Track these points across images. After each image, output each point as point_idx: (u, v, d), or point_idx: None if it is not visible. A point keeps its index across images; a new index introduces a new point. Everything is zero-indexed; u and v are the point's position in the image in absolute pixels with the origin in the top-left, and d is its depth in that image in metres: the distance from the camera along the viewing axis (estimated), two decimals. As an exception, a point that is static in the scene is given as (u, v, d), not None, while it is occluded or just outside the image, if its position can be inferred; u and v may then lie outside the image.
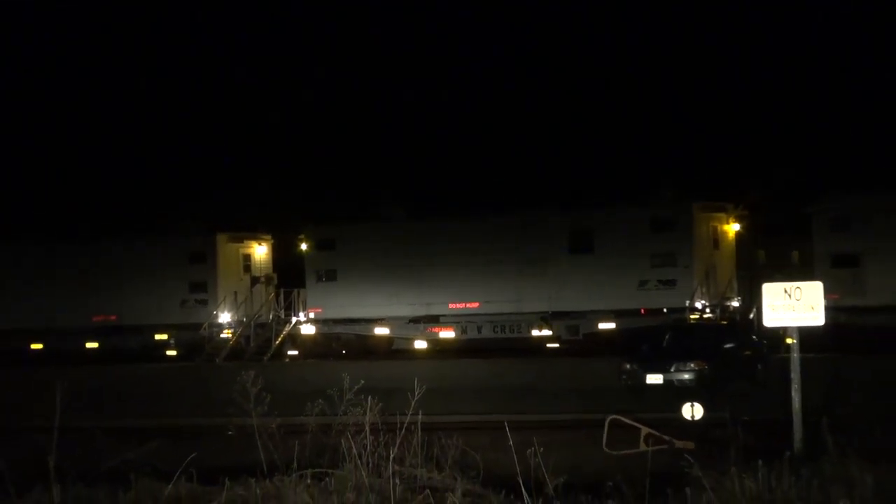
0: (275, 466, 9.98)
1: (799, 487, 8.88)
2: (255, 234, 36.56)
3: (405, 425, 9.85)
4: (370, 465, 9.48)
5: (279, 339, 33.98)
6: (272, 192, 46.74)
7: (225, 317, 34.60)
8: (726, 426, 10.79)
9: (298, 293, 34.54)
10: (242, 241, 36.01)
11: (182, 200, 47.36)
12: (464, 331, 32.08)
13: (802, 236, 30.07)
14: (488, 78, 65.56)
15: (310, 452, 10.27)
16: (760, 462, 9.10)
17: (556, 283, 30.76)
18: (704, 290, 29.71)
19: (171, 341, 34.95)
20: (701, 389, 17.35)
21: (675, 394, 16.95)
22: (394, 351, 32.33)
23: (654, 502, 8.61)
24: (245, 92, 68.07)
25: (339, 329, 33.63)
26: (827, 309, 11.36)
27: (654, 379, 19.24)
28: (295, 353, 33.88)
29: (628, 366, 20.04)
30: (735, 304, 30.47)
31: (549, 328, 31.07)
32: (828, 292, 11.91)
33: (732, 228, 31.80)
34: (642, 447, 11.47)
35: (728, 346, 21.14)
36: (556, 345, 31.17)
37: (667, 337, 22.03)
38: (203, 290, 34.72)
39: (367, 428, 9.84)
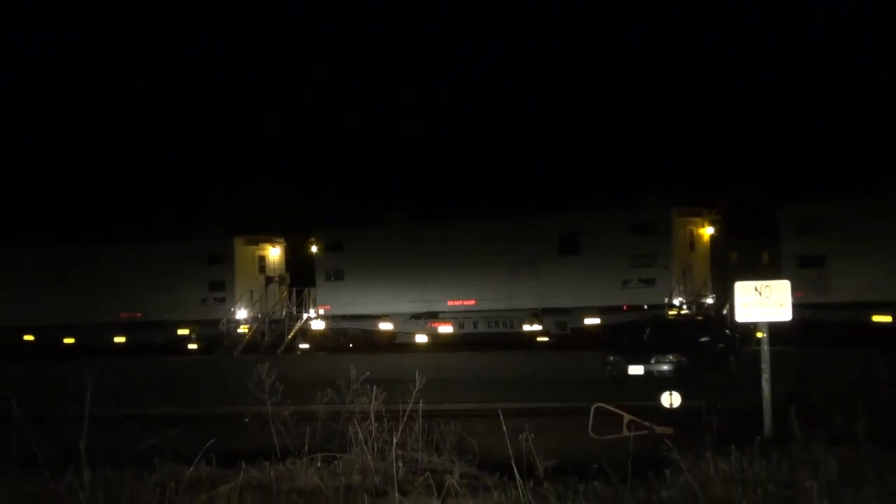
0: (287, 451, 9.99)
1: (769, 469, 8.89)
2: (270, 237, 36.57)
3: (407, 413, 9.87)
4: (375, 449, 9.49)
5: (291, 333, 33.98)
6: (285, 198, 46.76)
7: (242, 313, 34.61)
8: (702, 413, 10.79)
9: (309, 291, 34.59)
10: (257, 244, 36.01)
11: (202, 206, 47.36)
12: (461, 326, 32.09)
13: (771, 239, 30.06)
14: (484, 93, 65.55)
15: (320, 438, 10.27)
16: (733, 446, 9.12)
17: (546, 281, 30.79)
18: (682, 288, 29.72)
19: (193, 336, 34.96)
20: (678, 379, 17.37)
21: (655, 384, 16.96)
22: (397, 344, 32.34)
23: (636, 483, 8.61)
24: (259, 105, 68.10)
25: (346, 324, 33.64)
26: (794, 305, 11.37)
27: (636, 370, 19.27)
28: (306, 346, 33.88)
29: (612, 358, 20.07)
30: (710, 301, 30.46)
31: (540, 323, 31.11)
32: (795, 290, 11.90)
33: (707, 231, 31.83)
34: (625, 433, 11.47)
35: (703, 339, 21.19)
36: (546, 339, 31.18)
37: (647, 331, 22.08)
38: (222, 289, 34.72)
39: (372, 415, 9.86)
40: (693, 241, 31.22)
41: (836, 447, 9.36)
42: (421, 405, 9.99)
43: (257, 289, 35.12)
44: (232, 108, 67.14)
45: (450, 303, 32.06)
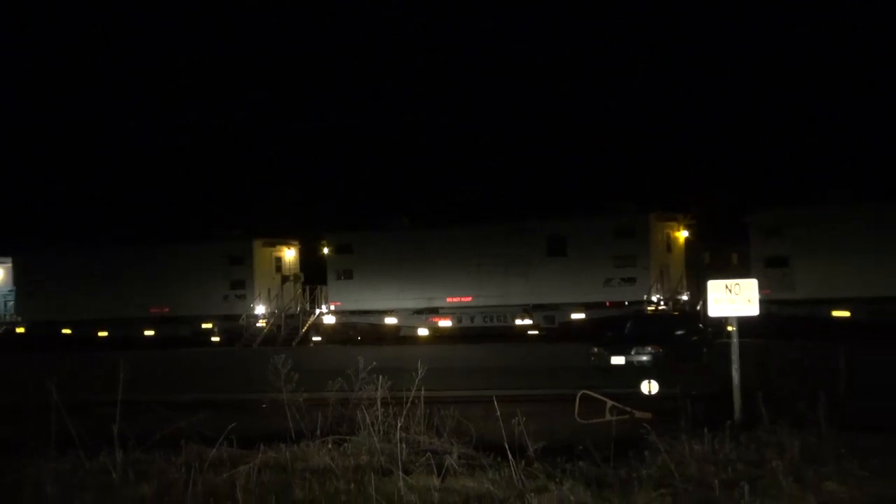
0: (301, 434, 9.98)
1: (738, 450, 8.89)
2: (285, 240, 36.61)
3: (410, 399, 9.86)
4: (381, 432, 9.49)
5: (305, 327, 34.03)
6: (299, 204, 46.91)
7: (260, 309, 34.63)
8: (677, 399, 10.79)
9: (321, 289, 34.63)
10: (274, 246, 36.05)
11: (224, 211, 47.50)
12: (459, 320, 32.11)
13: (741, 241, 30.10)
14: (481, 113, 65.83)
15: (331, 422, 10.27)
16: (706, 429, 9.11)
17: (536, 280, 30.83)
18: (659, 286, 29.77)
19: (215, 329, 34.99)
20: (656, 369, 17.34)
21: (635, 373, 16.95)
22: (401, 337, 32.33)
23: (618, 463, 8.60)
24: (277, 120, 68.25)
25: (355, 319, 33.64)
26: (761, 302, 11.37)
27: (618, 360, 19.23)
28: (318, 339, 33.89)
29: (596, 349, 20.03)
30: (684, 297, 30.50)
31: (531, 318, 31.14)
32: (762, 288, 11.92)
33: (682, 235, 31.88)
34: (608, 417, 11.47)
35: (679, 332, 21.14)
36: (536, 332, 31.20)
37: (628, 325, 22.05)
38: (242, 287, 34.77)
39: (379, 402, 9.85)
40: (669, 243, 31.28)
41: (799, 430, 9.35)
42: (423, 392, 9.98)
43: (274, 287, 35.13)
44: (252, 123, 67.34)
45: (449, 299, 32.09)
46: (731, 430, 9.29)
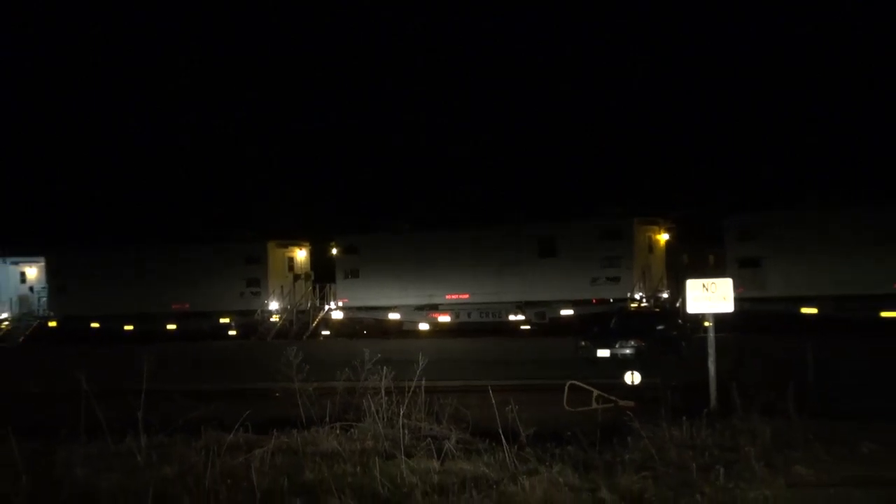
0: (312, 420, 9.99)
1: (714, 436, 8.90)
2: (297, 242, 36.61)
3: (412, 389, 9.87)
4: (385, 419, 9.50)
5: (315, 322, 34.01)
6: (310, 208, 46.92)
7: (273, 305, 34.63)
8: (658, 389, 10.78)
9: (330, 287, 34.63)
10: (287, 247, 36.05)
11: (240, 215, 47.49)
12: (457, 316, 32.11)
13: (716, 244, 30.12)
14: (476, 124, 65.72)
15: (338, 409, 10.27)
16: (685, 417, 9.13)
17: (528, 279, 30.83)
18: (641, 284, 29.78)
19: (232, 324, 34.97)
20: (639, 361, 17.33)
21: (619, 364, 16.95)
22: (403, 331, 32.31)
23: (604, 448, 8.61)
24: (289, 130, 68.15)
25: (361, 315, 33.65)
26: (735, 299, 11.36)
27: (603, 353, 19.23)
28: (327, 333, 33.87)
29: (583, 343, 20.02)
30: (665, 295, 30.50)
31: (523, 314, 31.13)
32: (736, 287, 11.92)
33: (663, 237, 31.89)
34: (594, 405, 11.46)
35: (660, 327, 21.14)
36: (528, 327, 31.18)
37: (613, 321, 22.04)
38: (257, 285, 34.76)
39: (383, 391, 9.86)
40: (651, 245, 31.30)
41: (770, 418, 9.37)
42: (423, 382, 9.98)
43: (286, 284, 35.15)
44: (266, 130, 67.17)
45: (448, 296, 32.10)
46: (708, 418, 9.30)
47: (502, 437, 8.36)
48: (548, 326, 30.28)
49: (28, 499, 6.93)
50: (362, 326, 33.39)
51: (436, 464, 8.06)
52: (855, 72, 56.75)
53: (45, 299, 38.16)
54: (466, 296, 31.88)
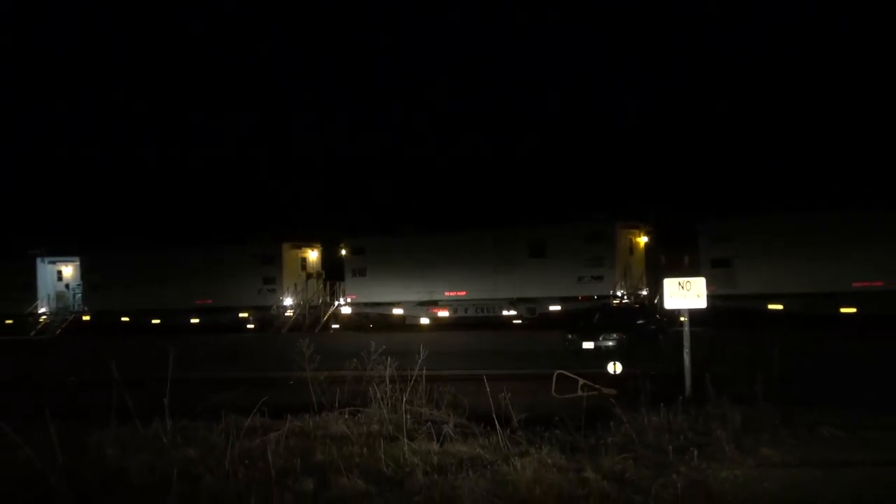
0: (322, 406, 9.99)
1: (689, 421, 8.90)
2: (309, 243, 36.57)
3: (414, 377, 9.86)
4: (389, 405, 9.49)
5: (326, 316, 33.99)
6: (321, 213, 46.99)
7: (288, 301, 34.59)
8: (638, 378, 10.80)
9: (339, 284, 34.60)
10: (300, 248, 36.00)
11: (258, 219, 47.54)
12: (455, 311, 32.08)
13: (691, 246, 30.10)
14: (474, 135, 65.79)
15: (347, 396, 10.26)
16: (662, 404, 9.13)
17: (520, 277, 30.83)
18: (623, 282, 29.76)
19: (250, 318, 34.92)
20: (620, 352, 17.34)
21: (603, 355, 16.94)
22: (406, 325, 32.30)
23: (588, 431, 8.62)
24: (300, 140, 68.17)
25: (367, 310, 33.60)
26: (708, 296, 11.38)
27: (588, 345, 19.22)
28: (337, 326, 33.83)
29: (570, 336, 20.01)
30: (644, 292, 30.49)
31: (515, 309, 31.12)
32: (709, 285, 11.90)
33: (643, 240, 31.89)
34: (579, 393, 11.45)
35: (639, 322, 21.14)
36: (520, 321, 31.17)
37: (596, 316, 22.02)
38: (273, 283, 34.72)
39: (387, 379, 9.85)
40: (632, 247, 31.29)
41: (740, 405, 9.38)
42: (424, 372, 9.97)
43: (300, 282, 35.10)
44: (281, 144, 67.19)
45: (447, 293, 32.08)
46: (683, 405, 9.31)
47: (496, 421, 8.37)
48: (538, 321, 30.27)
49: (64, 476, 6.92)
50: (369, 321, 33.36)
51: (435, 446, 8.07)
52: (815, 88, 56.85)
53: (79, 296, 38.16)
54: (464, 293, 31.88)
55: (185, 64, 75.59)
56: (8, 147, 71.62)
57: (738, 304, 27.15)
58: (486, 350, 21.85)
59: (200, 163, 62.54)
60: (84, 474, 7.21)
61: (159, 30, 75.29)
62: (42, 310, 38.25)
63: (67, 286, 38.89)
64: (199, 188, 59.84)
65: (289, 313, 34.33)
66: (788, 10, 60.47)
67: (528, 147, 61.98)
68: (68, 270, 39.12)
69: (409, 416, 8.97)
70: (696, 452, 7.53)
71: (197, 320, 35.36)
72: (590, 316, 22.31)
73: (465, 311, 31.96)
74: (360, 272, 33.64)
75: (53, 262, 38.98)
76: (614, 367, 12.59)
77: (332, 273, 35.74)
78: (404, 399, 9.34)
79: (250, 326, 34.70)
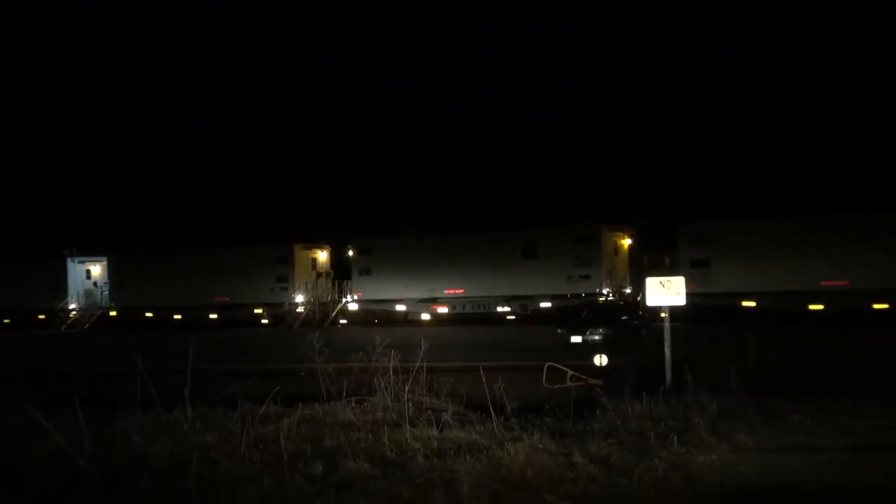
0: (331, 395, 9.97)
1: (669, 410, 8.90)
2: (319, 244, 36.59)
3: (415, 369, 9.84)
4: (392, 394, 9.48)
5: (334, 312, 34.01)
6: (330, 217, 46.98)
7: (299, 298, 34.60)
8: (622, 370, 10.78)
9: (347, 283, 34.65)
10: (310, 249, 36.02)
11: (272, 222, 47.53)
12: (454, 308, 32.10)
13: (671, 247, 30.16)
14: (472, 144, 65.67)
15: (354, 386, 10.25)
16: (644, 393, 9.12)
17: (514, 277, 30.85)
18: (608, 281, 29.79)
19: (264, 314, 34.94)
20: (606, 346, 17.32)
21: (590, 349, 16.91)
22: (408, 320, 32.31)
23: (576, 419, 8.61)
24: (313, 151, 68.08)
25: (373, 306, 33.62)
26: (687, 294, 11.37)
27: (576, 339, 19.22)
28: (344, 321, 33.86)
29: (559, 331, 20.01)
30: (628, 290, 30.52)
31: (509, 306, 31.14)
32: (688, 284, 11.90)
33: (626, 242, 31.91)
34: (568, 383, 11.43)
35: (623, 318, 21.13)
36: (513, 317, 31.19)
37: (584, 312, 21.99)
38: (285, 281, 34.74)
39: (391, 370, 9.84)
40: (617, 248, 31.33)
41: (716, 394, 9.37)
42: (425, 364, 9.96)
43: (310, 281, 35.12)
44: (293, 153, 67.08)
45: (446, 291, 32.10)
46: (664, 394, 9.30)
47: (491, 409, 8.36)
48: (530, 317, 30.30)
49: (91, 460, 6.90)
50: (374, 316, 33.36)
51: (435, 432, 8.06)
52: (811, 90, 56.40)
53: (106, 293, 38.16)
54: (462, 291, 31.89)
55: (185, 64, 74.69)
56: (39, 152, 71.28)
57: (715, 301, 27.19)
58: (483, 344, 21.83)
59: (214, 166, 62.50)
60: (110, 459, 7.18)
61: (159, 30, 73.75)
62: (72, 306, 38.25)
63: (95, 284, 38.88)
64: (214, 192, 59.90)
65: (300, 309, 34.32)
66: (788, 9, 59.36)
67: (524, 149, 61.96)
68: (96, 269, 39.11)
69: (410, 405, 8.96)
70: (675, 438, 7.53)
71: (215, 316, 35.34)
72: (578, 312, 22.30)
73: (463, 307, 31.96)
74: (366, 272, 33.65)
75: (83, 262, 38.98)
76: (600, 360, 12.57)
77: (340, 272, 35.76)
78: (406, 389, 9.33)
79: (264, 322, 34.69)
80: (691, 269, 27.09)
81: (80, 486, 6.51)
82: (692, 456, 7.12)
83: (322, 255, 36.59)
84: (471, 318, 31.42)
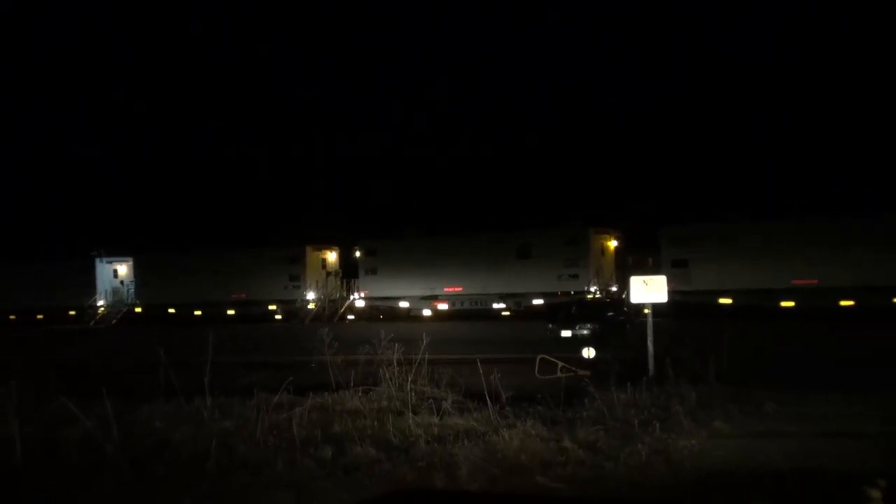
0: (339, 385, 9.97)
1: (651, 398, 8.90)
2: (329, 246, 36.56)
3: (417, 361, 9.85)
4: (396, 384, 9.48)
5: (343, 308, 33.97)
6: (339, 220, 46.96)
7: (310, 295, 34.56)
8: (609, 362, 10.79)
9: (354, 281, 34.59)
10: (321, 250, 35.99)
11: (285, 225, 47.52)
12: (453, 304, 32.08)
13: (654, 248, 30.16)
14: (470, 152, 65.39)
15: (361, 377, 10.25)
16: (629, 383, 9.13)
17: (508, 276, 30.84)
18: (596, 280, 29.79)
19: (278, 310, 34.91)
20: (593, 340, 17.30)
21: (578, 342, 16.92)
22: (411, 316, 32.28)
23: (566, 407, 8.61)
24: (324, 158, 67.92)
25: (378, 303, 33.59)
26: (669, 292, 11.38)
27: (566, 333, 19.20)
28: (352, 317, 33.83)
29: (550, 326, 19.98)
30: (614, 289, 30.52)
31: (504, 303, 31.13)
32: (669, 283, 11.91)
33: (612, 244, 31.91)
34: (559, 374, 11.44)
35: (609, 314, 21.11)
36: (508, 313, 31.17)
37: (573, 308, 21.97)
38: (297, 280, 34.71)
39: (395, 362, 9.84)
40: (603, 249, 31.33)
41: (695, 384, 9.38)
42: (426, 356, 9.97)
43: (320, 279, 35.08)
44: (293, 152, 66.56)
45: (446, 289, 32.07)
46: (647, 384, 9.31)
47: (487, 398, 8.36)
48: (523, 313, 30.26)
49: (118, 445, 6.91)
50: (379, 312, 33.34)
51: (436, 419, 8.06)
52: (787, 100, 55.93)
53: (132, 290, 38.11)
54: (460, 288, 31.86)
55: (185, 64, 73.18)
56: (46, 154, 70.25)
57: (694, 299, 27.18)
58: (480, 338, 21.83)
59: (215, 167, 62.11)
60: (136, 444, 7.19)
61: (159, 30, 70.68)
62: (100, 303, 38.22)
63: (122, 282, 38.86)
64: (221, 193, 59.86)
65: (311, 306, 34.29)
66: (788, 9, 57.81)
67: (522, 150, 61.27)
68: (122, 269, 39.08)
69: (413, 394, 8.97)
70: (657, 425, 7.53)
71: (232, 312, 35.31)
72: (568, 308, 22.29)
73: (462, 304, 31.95)
74: (372, 271, 33.63)
75: (110, 262, 38.96)
76: (588, 353, 12.56)
77: (348, 271, 35.74)
78: (409, 379, 9.33)
79: (278, 317, 34.66)
80: (672, 269, 27.09)
81: (108, 469, 6.52)
82: (673, 441, 7.13)
83: (331, 256, 36.56)
84: (469, 314, 31.40)
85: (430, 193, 54.27)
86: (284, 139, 68.55)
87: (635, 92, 63.07)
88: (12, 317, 38.03)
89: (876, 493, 1.58)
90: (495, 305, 31.29)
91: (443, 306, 32.16)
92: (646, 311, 11.51)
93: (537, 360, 11.96)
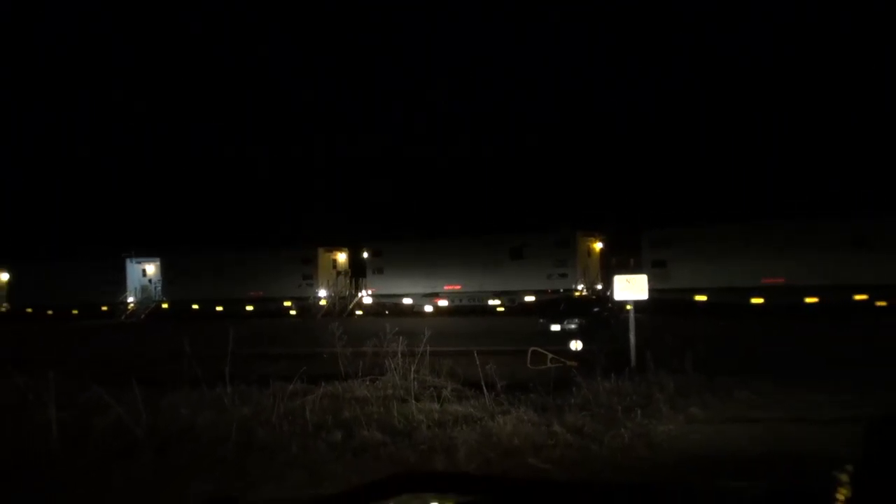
0: (349, 374, 9.95)
1: (633, 387, 8.91)
2: (339, 247, 36.56)
3: (420, 353, 9.84)
4: (400, 374, 9.47)
5: (351, 305, 33.97)
6: (348, 223, 46.96)
7: (322, 293, 34.55)
8: (594, 354, 10.79)
9: (362, 280, 34.61)
10: (332, 251, 35.99)
11: (300, 228, 47.52)
12: (452, 301, 32.08)
13: (636, 250, 30.17)
14: (468, 158, 64.91)
15: (368, 367, 10.23)
16: (613, 373, 9.13)
17: (503, 275, 30.86)
18: (583, 279, 29.80)
19: (292, 306, 34.89)
20: (580, 333, 17.26)
21: (567, 336, 16.88)
22: (414, 312, 32.26)
23: (556, 394, 8.61)
24: (334, 164, 67.48)
25: (384, 300, 33.59)
26: (649, 290, 11.38)
27: (555, 327, 19.19)
28: (360, 313, 33.80)
29: (541, 320, 19.98)
30: (599, 287, 30.52)
31: (499, 300, 31.13)
32: (650, 281, 11.89)
33: (598, 245, 31.94)
34: (549, 365, 11.41)
35: (595, 310, 21.12)
36: (503, 309, 31.16)
37: (562, 305, 22.00)
38: (310, 278, 34.70)
39: (399, 354, 9.83)
40: (590, 251, 31.36)
41: (673, 374, 9.38)
42: (428, 348, 9.96)
43: (331, 278, 35.08)
44: (293, 152, 65.91)
45: (446, 287, 32.09)
46: (629, 374, 9.31)
47: (484, 387, 8.37)
48: (516, 309, 30.24)
49: (147, 429, 6.91)
50: (385, 308, 33.31)
51: (437, 406, 8.06)
52: (787, 101, 54.62)
53: (159, 288, 38.11)
54: (459, 287, 31.87)
55: (185, 64, 71.15)
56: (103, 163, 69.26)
57: (672, 296, 27.16)
58: (477, 332, 21.79)
59: (217, 167, 61.44)
60: (162, 428, 7.19)
61: (159, 30, 67.68)
62: (130, 299, 38.21)
63: (150, 281, 38.86)
64: (254, 203, 59.80)
65: (322, 302, 34.27)
66: (788, 9, 55.81)
67: (521, 150, 60.07)
68: (151, 268, 39.08)
69: (416, 383, 8.97)
70: (639, 411, 7.53)
71: (251, 308, 35.29)
72: (557, 305, 22.31)
73: (460, 301, 31.94)
74: (379, 270, 33.65)
75: (139, 262, 38.96)
76: (576, 345, 12.55)
77: (357, 271, 35.75)
78: (412, 369, 9.33)
79: (292, 313, 34.65)
80: (653, 269, 27.08)
81: (138, 452, 6.51)
82: (653, 426, 7.13)
83: (341, 257, 36.55)
84: (467, 310, 31.39)
85: (429, 193, 54.11)
86: (284, 139, 66.97)
87: (635, 92, 61.69)
88: (49, 312, 38.05)
89: (843, 476, 1.58)
90: (491, 302, 31.29)
91: (443, 303, 32.15)
92: (628, 307, 11.51)
93: (529, 352, 11.93)
